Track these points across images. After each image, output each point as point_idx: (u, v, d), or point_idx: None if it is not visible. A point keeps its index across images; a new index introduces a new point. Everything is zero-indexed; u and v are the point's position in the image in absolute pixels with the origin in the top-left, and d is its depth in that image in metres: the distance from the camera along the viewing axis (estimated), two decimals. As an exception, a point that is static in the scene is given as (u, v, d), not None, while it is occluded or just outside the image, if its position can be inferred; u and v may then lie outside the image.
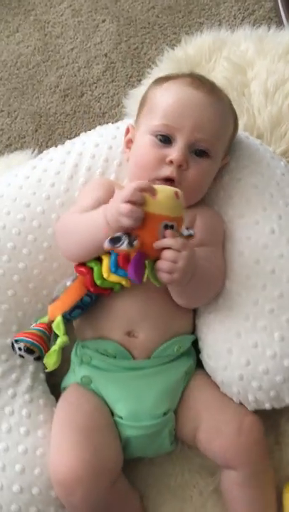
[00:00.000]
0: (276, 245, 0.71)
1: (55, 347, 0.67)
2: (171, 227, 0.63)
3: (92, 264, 0.69)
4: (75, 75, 1.17)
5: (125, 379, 0.71)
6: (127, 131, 0.80)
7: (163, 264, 0.62)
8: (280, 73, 0.94)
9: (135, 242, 0.61)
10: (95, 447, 0.65)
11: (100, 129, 0.89)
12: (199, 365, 0.76)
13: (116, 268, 0.66)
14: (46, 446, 0.69)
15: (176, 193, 0.64)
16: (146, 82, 1.06)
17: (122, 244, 0.61)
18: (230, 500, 0.69)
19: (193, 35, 1.08)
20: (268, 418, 0.75)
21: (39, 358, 0.67)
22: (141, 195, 0.62)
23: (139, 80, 1.11)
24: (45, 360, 0.67)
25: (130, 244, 0.61)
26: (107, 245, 0.62)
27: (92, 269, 0.69)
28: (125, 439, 0.70)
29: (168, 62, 1.03)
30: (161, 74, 1.03)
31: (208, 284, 0.71)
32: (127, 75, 1.14)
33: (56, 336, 0.69)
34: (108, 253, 0.67)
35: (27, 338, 0.67)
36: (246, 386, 0.68)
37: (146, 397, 0.70)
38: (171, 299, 0.72)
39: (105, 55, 1.17)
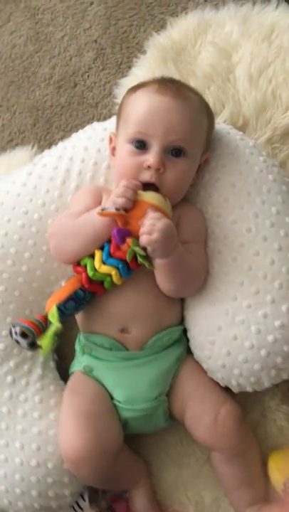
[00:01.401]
0: (252, 244, 0.76)
1: (49, 332, 0.73)
2: None
3: (85, 260, 0.77)
4: (68, 65, 1.19)
5: (121, 368, 0.80)
6: (110, 139, 0.84)
7: (144, 227, 0.70)
8: (264, 56, 0.94)
9: (121, 210, 0.73)
10: (97, 430, 0.76)
11: (89, 130, 0.93)
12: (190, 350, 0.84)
13: (108, 257, 0.74)
14: (57, 427, 0.80)
15: (164, 197, 0.74)
16: (135, 71, 1.07)
17: (109, 209, 0.73)
18: (219, 475, 0.80)
19: (178, 17, 1.07)
20: (254, 395, 0.84)
21: (33, 345, 0.73)
22: (134, 185, 0.73)
23: (129, 67, 1.12)
24: (39, 342, 0.73)
25: (117, 209, 0.72)
26: (98, 210, 0.74)
27: (86, 267, 0.76)
28: (124, 419, 0.80)
29: (153, 51, 1.03)
30: (148, 63, 1.05)
31: (191, 272, 0.77)
32: (117, 62, 1.15)
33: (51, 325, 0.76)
34: (100, 248, 0.76)
35: (23, 323, 0.74)
36: (229, 373, 0.76)
37: (140, 383, 0.79)
38: (160, 296, 0.79)
39: (95, 41, 1.18)
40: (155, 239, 0.69)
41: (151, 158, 0.75)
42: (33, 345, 0.72)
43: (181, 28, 1.04)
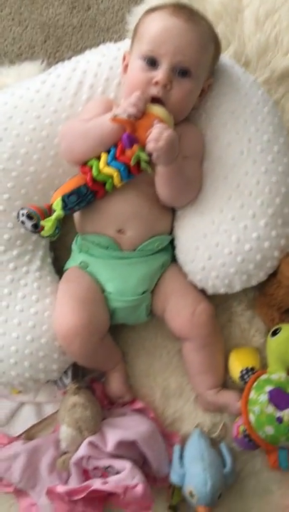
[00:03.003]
0: (243, 165, 0.86)
1: (52, 217, 0.84)
2: None
3: (92, 162, 0.85)
4: (83, -14, 1.22)
5: (115, 265, 0.90)
6: (124, 57, 0.91)
7: (152, 134, 0.79)
8: (272, 2, 1.02)
9: (132, 117, 0.80)
10: (90, 312, 0.87)
11: (103, 48, 0.99)
12: (174, 259, 0.95)
13: (112, 159, 0.82)
14: (52, 310, 0.90)
15: (169, 112, 0.82)
16: (149, 0, 1.12)
17: (121, 115, 0.80)
18: (187, 362, 0.93)
19: None
20: (225, 301, 0.97)
21: (36, 227, 0.83)
22: (145, 98, 0.80)
23: (143, -4, 1.17)
24: (42, 223, 0.83)
25: (128, 116, 0.79)
26: (109, 116, 0.81)
27: (92, 168, 0.85)
28: (112, 309, 0.91)
29: (170, -18, 1.08)
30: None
31: (187, 182, 0.87)
32: (132, -10, 1.20)
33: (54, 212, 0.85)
34: (107, 152, 0.84)
35: (30, 208, 0.84)
36: (207, 275, 0.88)
37: (130, 279, 0.90)
38: (156, 204, 0.89)
39: None
40: (160, 146, 0.78)
41: (160, 74, 0.83)
42: (36, 228, 0.82)
43: None
